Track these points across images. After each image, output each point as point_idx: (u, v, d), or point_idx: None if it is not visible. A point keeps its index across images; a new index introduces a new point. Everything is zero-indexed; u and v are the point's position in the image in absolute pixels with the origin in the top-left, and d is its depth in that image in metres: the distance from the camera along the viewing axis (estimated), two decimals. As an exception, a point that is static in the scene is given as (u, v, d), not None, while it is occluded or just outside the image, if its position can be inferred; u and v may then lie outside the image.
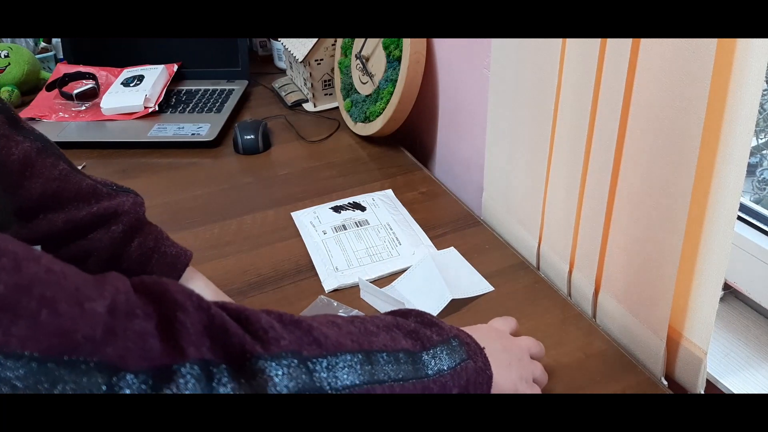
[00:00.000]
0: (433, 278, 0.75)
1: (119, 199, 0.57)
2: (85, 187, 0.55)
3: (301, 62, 1.19)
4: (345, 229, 0.86)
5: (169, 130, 1.14)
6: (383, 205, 0.91)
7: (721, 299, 0.67)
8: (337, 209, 0.90)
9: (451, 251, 0.82)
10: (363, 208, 0.90)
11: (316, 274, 0.79)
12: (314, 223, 0.88)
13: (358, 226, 0.87)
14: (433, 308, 0.72)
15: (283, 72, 1.40)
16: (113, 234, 0.56)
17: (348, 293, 0.76)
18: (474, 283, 0.77)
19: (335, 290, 0.76)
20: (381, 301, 0.73)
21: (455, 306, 0.72)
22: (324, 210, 0.91)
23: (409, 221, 0.89)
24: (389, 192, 0.95)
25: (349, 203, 0.92)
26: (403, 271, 0.79)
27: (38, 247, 0.52)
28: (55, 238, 0.54)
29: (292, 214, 0.91)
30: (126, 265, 0.57)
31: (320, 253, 0.82)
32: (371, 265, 0.80)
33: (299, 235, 0.86)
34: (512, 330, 0.60)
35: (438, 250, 0.82)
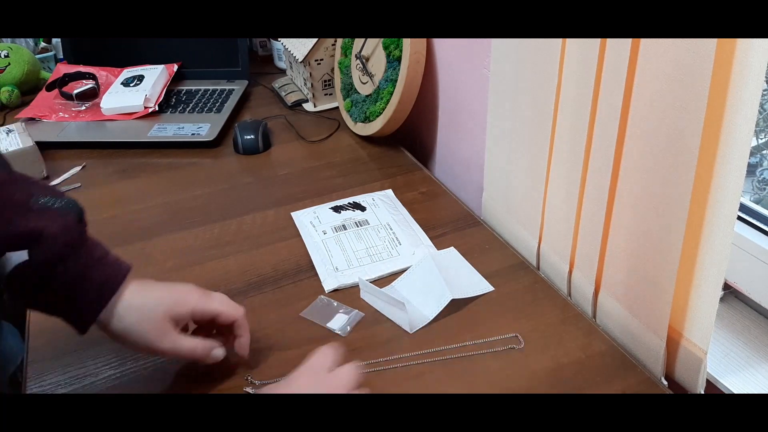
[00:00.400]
0: (433, 278, 0.75)
1: (47, 220, 0.53)
2: (16, 201, 0.52)
3: (301, 62, 1.19)
4: (345, 229, 0.86)
5: (169, 130, 1.14)
6: (383, 205, 0.91)
7: (721, 299, 0.67)
8: (337, 209, 0.90)
9: (451, 251, 0.82)
10: (363, 208, 0.90)
11: (316, 274, 0.79)
12: (314, 223, 0.88)
13: (358, 226, 0.87)
14: (434, 308, 0.72)
15: (283, 72, 1.40)
16: (35, 262, 0.52)
17: (348, 293, 0.76)
18: (474, 283, 0.77)
19: (335, 290, 0.76)
20: (381, 301, 0.73)
21: (456, 306, 0.72)
22: (324, 210, 0.91)
23: (409, 221, 0.89)
24: (389, 192, 0.95)
25: (349, 203, 0.92)
26: (403, 271, 0.79)
27: None
28: None
29: (292, 214, 0.91)
30: (54, 290, 0.54)
31: (320, 253, 0.82)
32: (371, 265, 0.80)
33: (299, 235, 0.86)
34: (333, 363, 0.57)
35: (438, 250, 0.82)
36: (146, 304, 0.57)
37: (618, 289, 0.68)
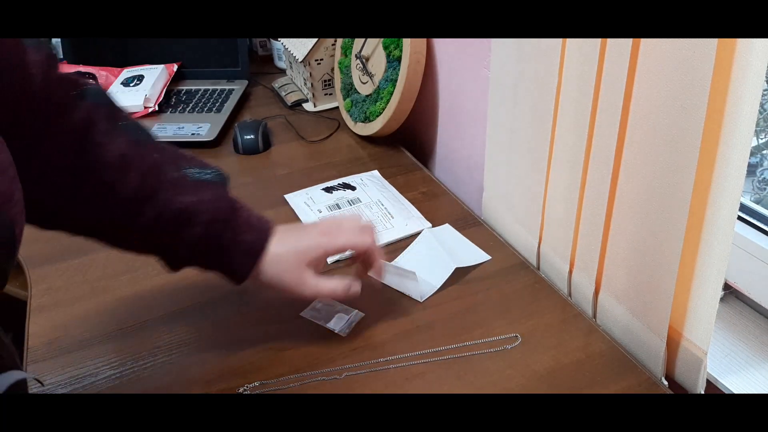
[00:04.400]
0: (435, 251, 0.79)
1: (200, 195, 0.59)
2: (171, 180, 0.58)
3: (301, 62, 1.19)
4: (339, 207, 0.91)
5: (169, 130, 1.14)
6: (372, 185, 0.96)
7: (721, 299, 0.67)
8: (328, 189, 0.95)
9: (447, 227, 0.86)
10: (353, 188, 0.95)
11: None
12: (308, 203, 0.92)
13: (351, 204, 0.91)
14: (440, 277, 0.76)
15: (283, 72, 1.40)
16: (192, 237, 0.58)
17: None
18: (472, 253, 0.81)
19: (336, 261, 0.80)
20: (390, 275, 0.76)
21: (456, 306, 0.73)
22: (316, 191, 0.95)
23: (398, 197, 0.93)
24: (375, 173, 1.00)
25: (339, 184, 0.96)
26: (399, 241, 0.84)
27: None
28: (150, 230, 0.57)
29: (286, 196, 0.94)
30: (210, 256, 0.60)
31: None
32: None
33: (299, 235, 0.86)
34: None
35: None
36: (283, 256, 0.62)
37: (618, 289, 0.68)
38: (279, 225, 0.63)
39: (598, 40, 0.61)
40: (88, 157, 0.55)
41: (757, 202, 0.70)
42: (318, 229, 0.65)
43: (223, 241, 0.60)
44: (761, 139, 0.86)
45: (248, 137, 1.09)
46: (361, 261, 0.68)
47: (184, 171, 0.59)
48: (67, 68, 1.28)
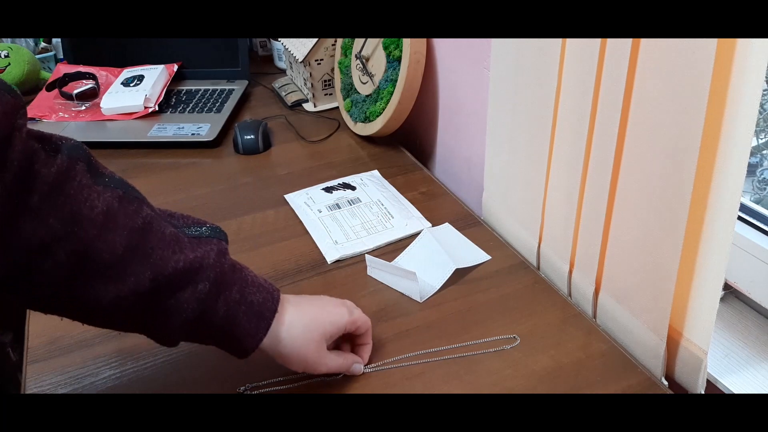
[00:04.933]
0: (434, 251, 0.79)
1: (203, 248, 0.52)
2: (168, 238, 0.51)
3: (301, 62, 1.19)
4: (339, 207, 0.91)
5: (169, 130, 1.14)
6: (372, 184, 0.96)
7: (721, 299, 0.67)
8: (328, 189, 0.95)
9: (447, 227, 0.86)
10: (353, 188, 0.95)
11: (316, 275, 0.79)
12: (308, 203, 0.92)
13: (351, 204, 0.91)
14: (439, 278, 0.76)
15: (283, 72, 1.40)
16: (199, 294, 0.51)
17: (344, 290, 0.76)
18: (472, 253, 0.81)
19: (337, 261, 0.80)
20: (389, 275, 0.76)
21: (456, 305, 0.72)
22: (316, 191, 0.95)
23: (398, 197, 0.93)
24: (375, 172, 1.00)
25: (339, 184, 0.96)
26: (399, 241, 0.84)
27: None
28: (141, 298, 0.49)
29: (286, 196, 0.94)
30: (214, 320, 0.53)
31: (318, 229, 0.86)
32: (368, 237, 0.84)
33: (299, 235, 0.86)
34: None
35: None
36: (307, 327, 0.57)
37: (618, 289, 0.68)
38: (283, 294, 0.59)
39: (598, 40, 0.61)
40: (62, 216, 0.46)
41: (757, 202, 0.70)
42: (333, 302, 0.62)
43: (230, 301, 0.53)
44: (761, 139, 0.86)
45: (248, 137, 1.09)
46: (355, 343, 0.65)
47: (180, 229, 0.53)
48: (67, 68, 1.28)
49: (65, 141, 0.49)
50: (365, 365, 0.65)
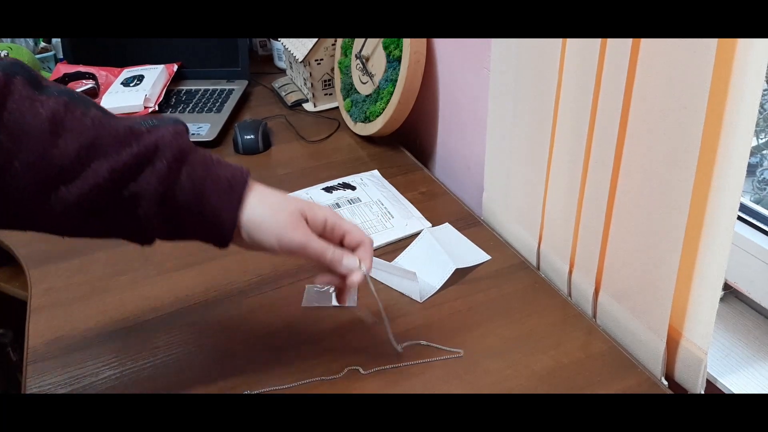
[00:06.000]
0: (434, 251, 0.79)
1: (158, 132, 0.51)
2: (122, 131, 0.50)
3: (301, 62, 1.19)
4: (339, 207, 0.90)
5: (169, 130, 1.14)
6: (372, 184, 0.95)
7: (721, 299, 0.67)
8: (328, 189, 0.94)
9: (447, 227, 0.86)
10: (353, 188, 0.94)
11: (317, 274, 0.79)
12: None
13: (350, 204, 0.91)
14: (439, 278, 0.75)
15: (283, 72, 1.40)
16: (159, 172, 0.49)
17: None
18: (472, 253, 0.81)
19: None
20: (389, 275, 0.75)
21: (456, 305, 0.72)
22: (316, 191, 0.94)
23: (398, 197, 0.93)
24: (375, 172, 1.00)
25: (339, 183, 0.96)
26: (399, 241, 0.84)
27: None
28: (103, 190, 0.49)
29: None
30: (181, 198, 0.51)
31: None
32: None
33: (299, 235, 0.86)
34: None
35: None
36: (280, 199, 0.54)
37: (618, 289, 0.68)
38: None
39: (598, 40, 0.61)
40: (9, 131, 0.46)
41: (757, 202, 0.70)
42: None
43: (194, 178, 0.51)
44: (761, 139, 0.86)
45: (248, 137, 1.09)
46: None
47: (135, 123, 0.51)
48: (67, 68, 1.28)
49: (1, 60, 0.49)
50: (367, 269, 0.57)
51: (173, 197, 0.51)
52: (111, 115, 0.51)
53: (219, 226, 0.52)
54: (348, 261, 0.56)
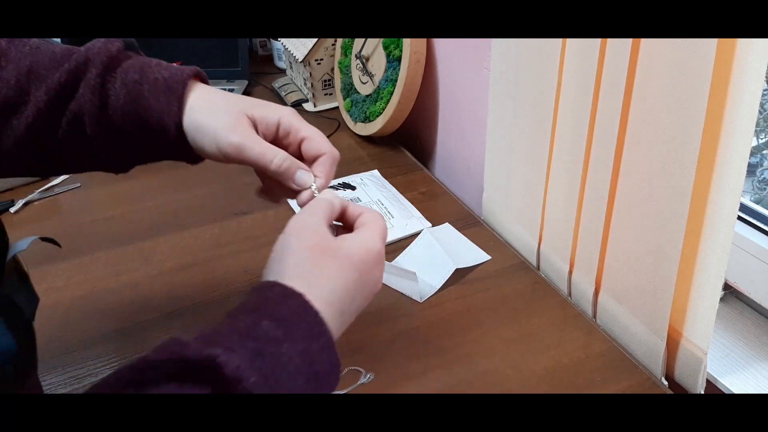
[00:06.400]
0: (434, 251, 0.79)
1: (92, 45, 0.48)
2: (59, 52, 0.47)
3: (301, 62, 1.19)
4: None
5: (169, 130, 1.14)
6: (372, 184, 0.95)
7: (721, 299, 0.67)
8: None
9: (447, 227, 0.86)
10: (353, 188, 0.95)
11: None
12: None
13: None
14: (439, 278, 0.75)
15: (283, 72, 1.40)
16: (90, 82, 0.46)
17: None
18: (472, 253, 0.81)
19: None
20: (389, 274, 0.76)
21: (456, 305, 0.72)
22: None
23: (398, 197, 0.93)
24: (375, 172, 1.00)
25: (339, 183, 0.96)
26: (399, 241, 0.84)
27: None
28: (45, 115, 0.46)
29: None
30: (120, 107, 0.47)
31: None
32: None
33: (299, 235, 0.86)
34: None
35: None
36: (224, 97, 0.48)
37: (618, 289, 0.68)
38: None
39: (598, 40, 0.61)
40: None
41: (757, 202, 0.70)
42: None
43: (131, 79, 0.47)
44: (761, 139, 0.86)
45: (248, 137, 1.09)
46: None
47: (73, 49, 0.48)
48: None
49: None
50: (319, 186, 0.49)
51: (111, 107, 0.47)
52: (51, 43, 0.49)
53: (165, 134, 0.48)
54: (301, 176, 0.49)
